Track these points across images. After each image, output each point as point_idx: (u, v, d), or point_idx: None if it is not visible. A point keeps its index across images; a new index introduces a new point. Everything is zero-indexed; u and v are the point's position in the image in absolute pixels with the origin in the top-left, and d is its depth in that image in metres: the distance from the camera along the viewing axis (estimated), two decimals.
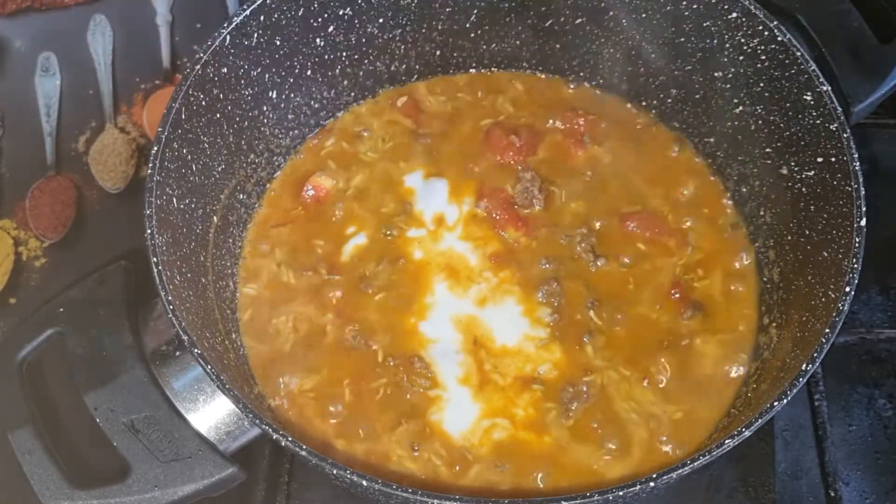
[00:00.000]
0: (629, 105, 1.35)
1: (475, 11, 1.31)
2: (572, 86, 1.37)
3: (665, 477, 0.92)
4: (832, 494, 1.25)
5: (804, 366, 0.96)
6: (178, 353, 1.10)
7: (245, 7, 1.14)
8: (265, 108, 1.24)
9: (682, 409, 1.12)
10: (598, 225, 1.25)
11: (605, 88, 1.36)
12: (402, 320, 1.18)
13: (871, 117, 1.32)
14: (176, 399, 1.08)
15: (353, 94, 1.35)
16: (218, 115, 1.16)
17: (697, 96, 1.27)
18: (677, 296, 1.19)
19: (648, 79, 1.31)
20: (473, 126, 1.33)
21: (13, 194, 1.47)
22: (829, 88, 1.09)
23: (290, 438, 0.94)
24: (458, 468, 1.09)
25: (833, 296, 1.01)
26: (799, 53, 1.11)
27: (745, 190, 1.25)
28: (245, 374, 1.15)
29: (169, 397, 1.08)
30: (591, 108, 1.34)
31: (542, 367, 1.15)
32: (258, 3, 1.14)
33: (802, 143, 1.13)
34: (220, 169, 1.19)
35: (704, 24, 1.20)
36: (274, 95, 1.24)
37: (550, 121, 1.33)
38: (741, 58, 1.18)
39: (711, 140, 1.29)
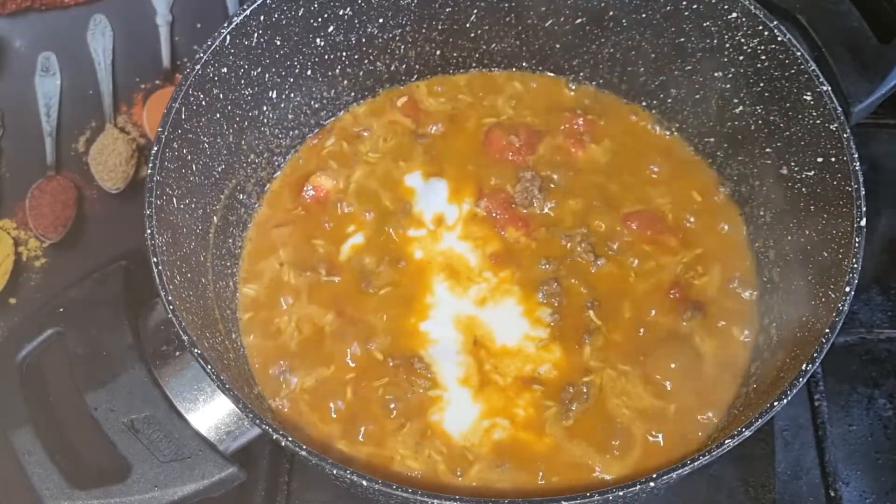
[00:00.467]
0: (629, 105, 1.35)
1: (475, 11, 1.31)
2: (572, 86, 1.37)
3: (665, 477, 0.92)
4: (832, 494, 1.25)
5: (804, 366, 0.96)
6: (178, 353, 1.10)
7: (245, 7, 1.14)
8: (265, 108, 1.24)
9: (682, 409, 1.12)
10: (597, 225, 1.25)
11: (605, 88, 1.36)
12: (402, 320, 1.18)
13: (871, 117, 1.32)
14: (176, 399, 1.08)
15: (353, 94, 1.35)
16: (218, 115, 1.16)
17: (697, 96, 1.27)
18: (676, 296, 1.19)
19: (648, 79, 1.31)
20: (473, 126, 1.33)
21: (13, 194, 1.47)
22: (829, 88, 1.09)
23: (290, 438, 0.94)
24: (458, 468, 1.09)
25: (833, 296, 1.02)
26: (799, 53, 1.11)
27: (745, 190, 1.25)
28: (245, 374, 1.15)
29: (169, 397, 1.08)
30: (591, 108, 1.34)
31: (542, 367, 1.15)
32: (258, 3, 1.14)
33: (802, 143, 1.13)
34: (220, 169, 1.19)
35: (704, 24, 1.20)
36: (274, 95, 1.24)
37: (550, 121, 1.33)
38: (741, 58, 1.18)
39: (711, 140, 1.29)
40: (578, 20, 1.30)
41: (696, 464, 0.93)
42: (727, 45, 1.19)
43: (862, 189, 1.04)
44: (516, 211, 1.26)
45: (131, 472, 1.04)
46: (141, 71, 1.56)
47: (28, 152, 1.50)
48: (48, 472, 1.05)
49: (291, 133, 1.31)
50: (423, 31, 1.32)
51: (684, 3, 1.20)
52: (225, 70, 1.15)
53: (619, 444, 1.10)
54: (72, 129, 1.52)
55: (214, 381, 0.97)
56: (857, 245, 1.01)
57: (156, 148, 1.06)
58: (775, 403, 0.95)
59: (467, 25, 1.33)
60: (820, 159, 1.10)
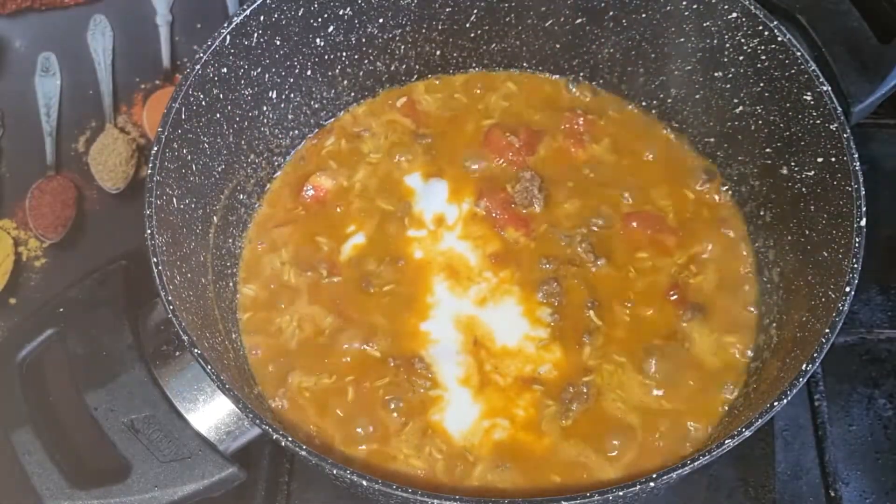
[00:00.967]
0: (629, 105, 1.35)
1: (475, 11, 1.31)
2: (572, 86, 1.37)
3: (665, 477, 0.92)
4: (832, 494, 1.25)
5: (804, 366, 0.96)
6: (178, 353, 1.10)
7: (245, 7, 1.14)
8: (265, 108, 1.24)
9: (682, 410, 1.12)
10: (597, 225, 1.24)
11: (605, 88, 1.36)
12: (402, 320, 1.18)
13: (871, 117, 1.32)
14: (176, 399, 1.08)
15: (352, 94, 1.35)
16: (218, 115, 1.16)
17: (697, 96, 1.27)
18: (675, 297, 1.19)
19: (648, 79, 1.31)
20: (473, 126, 1.33)
21: (13, 194, 1.47)
22: (829, 88, 1.09)
23: (290, 438, 0.94)
24: (458, 468, 1.09)
25: (833, 296, 1.01)
26: (799, 53, 1.11)
27: (745, 190, 1.25)
28: (245, 374, 1.15)
29: (169, 397, 1.08)
30: (591, 108, 1.34)
31: (542, 367, 1.15)
32: (258, 3, 1.14)
33: (802, 143, 1.13)
34: (220, 169, 1.19)
35: (704, 24, 1.20)
36: (274, 95, 1.24)
37: (550, 121, 1.33)
38: (741, 58, 1.18)
39: (711, 140, 1.29)
40: (578, 20, 1.30)
41: (696, 464, 0.93)
42: (727, 45, 1.19)
43: (862, 189, 1.04)
44: (516, 211, 1.26)
45: (131, 472, 1.04)
46: (141, 71, 1.57)
47: (28, 152, 1.50)
48: (48, 472, 1.05)
49: (291, 133, 1.31)
50: (423, 31, 1.32)
51: (684, 3, 1.20)
52: (225, 70, 1.15)
53: (619, 444, 1.10)
54: (72, 129, 1.52)
55: (214, 381, 0.97)
56: (857, 245, 1.01)
57: (156, 148, 1.06)
58: (775, 403, 0.95)
59: (467, 25, 1.33)
60: (820, 159, 1.10)
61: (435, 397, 1.13)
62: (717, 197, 1.27)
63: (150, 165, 1.05)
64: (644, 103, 1.34)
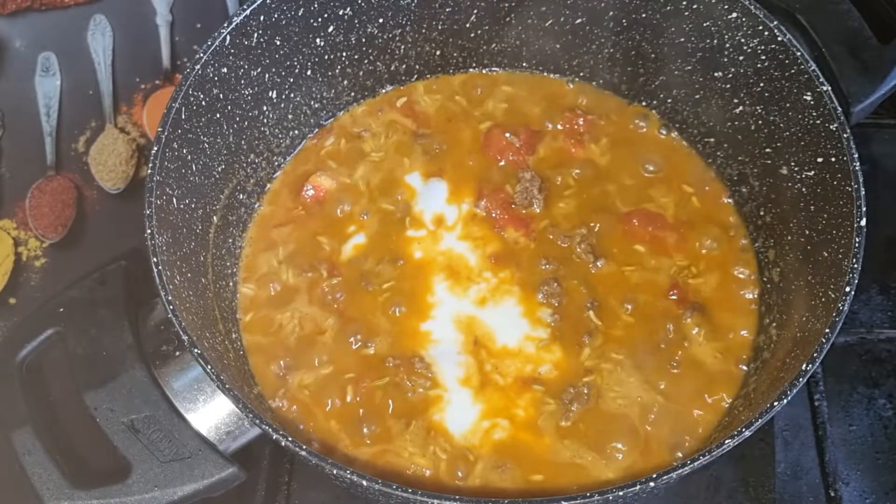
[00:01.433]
0: (629, 105, 1.35)
1: (475, 11, 1.31)
2: (572, 86, 1.37)
3: (665, 477, 0.92)
4: (832, 494, 1.25)
5: (804, 366, 0.96)
6: (178, 353, 1.10)
7: (245, 7, 1.14)
8: (265, 108, 1.24)
9: (682, 410, 1.12)
10: (597, 225, 1.24)
11: (605, 88, 1.36)
12: (402, 320, 1.18)
13: (871, 117, 1.32)
14: (176, 399, 1.08)
15: (353, 94, 1.35)
16: (218, 115, 1.16)
17: (697, 96, 1.27)
18: (676, 297, 1.19)
19: (648, 79, 1.31)
20: (473, 126, 1.33)
21: (13, 194, 1.47)
22: (829, 88, 1.09)
23: (290, 438, 0.94)
24: (459, 468, 1.09)
25: (833, 296, 1.02)
26: (799, 53, 1.11)
27: (745, 190, 1.25)
28: (245, 374, 1.15)
29: (169, 397, 1.08)
30: (590, 108, 1.34)
31: (542, 367, 1.15)
32: (258, 3, 1.14)
33: (802, 143, 1.13)
34: (220, 169, 1.19)
35: (704, 24, 1.20)
36: (274, 95, 1.24)
37: (550, 121, 1.33)
38: (741, 58, 1.18)
39: (711, 140, 1.29)
40: (578, 20, 1.30)
41: (696, 464, 0.93)
42: (727, 45, 1.19)
43: (862, 189, 1.04)
44: (516, 211, 1.26)
45: (131, 472, 1.04)
46: (141, 71, 1.57)
47: (28, 152, 1.50)
48: (48, 472, 1.05)
49: (291, 133, 1.31)
50: (423, 31, 1.32)
51: (684, 3, 1.20)
52: (225, 70, 1.15)
53: (619, 444, 1.10)
54: (72, 129, 1.52)
55: (214, 381, 0.97)
56: (857, 245, 1.01)
57: (156, 148, 1.06)
58: (775, 403, 0.95)
59: (467, 25, 1.33)
60: (820, 159, 1.10)
61: (435, 397, 1.13)
62: (716, 197, 1.27)
63: (150, 165, 1.05)
64: (644, 103, 1.34)
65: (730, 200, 1.27)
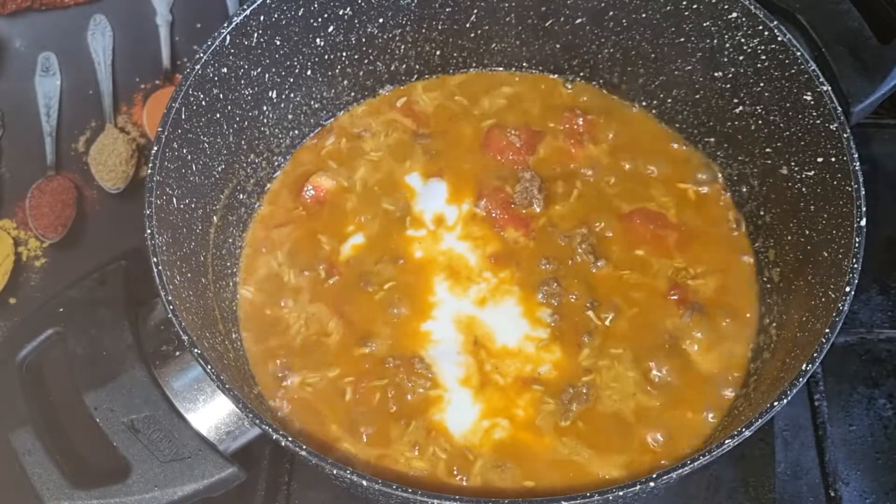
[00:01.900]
0: (629, 105, 1.35)
1: (475, 11, 1.31)
2: (572, 86, 1.37)
3: (665, 477, 0.92)
4: (832, 494, 1.25)
5: (804, 366, 0.96)
6: (178, 353, 1.10)
7: (245, 7, 1.14)
8: (265, 108, 1.24)
9: (682, 410, 1.12)
10: (597, 225, 1.24)
11: (605, 88, 1.36)
12: (402, 321, 1.18)
13: (871, 117, 1.32)
14: (176, 399, 1.08)
15: (353, 94, 1.35)
16: (218, 115, 1.16)
17: (697, 96, 1.27)
18: (676, 297, 1.19)
19: (648, 79, 1.31)
20: (473, 126, 1.33)
21: (13, 194, 1.47)
22: (829, 88, 1.09)
23: (290, 438, 0.94)
24: (459, 468, 1.09)
25: (833, 296, 1.01)
26: (799, 53, 1.11)
27: (745, 190, 1.25)
28: (245, 374, 1.15)
29: (169, 397, 1.08)
30: (590, 108, 1.34)
31: (542, 367, 1.15)
32: (258, 3, 1.14)
33: (802, 143, 1.13)
34: (220, 169, 1.19)
35: (704, 24, 1.20)
36: (274, 95, 1.24)
37: (550, 121, 1.33)
38: (741, 58, 1.18)
39: (711, 140, 1.29)
40: (578, 20, 1.30)
41: (696, 464, 0.93)
42: (727, 45, 1.19)
43: (862, 189, 1.04)
44: (516, 211, 1.26)
45: (131, 472, 1.04)
46: (141, 71, 1.57)
47: (28, 152, 1.50)
48: (48, 472, 1.05)
49: (291, 133, 1.31)
50: (423, 31, 1.32)
51: (684, 3, 1.20)
52: (225, 70, 1.15)
53: (619, 444, 1.10)
54: (72, 129, 1.52)
55: (214, 381, 0.97)
56: (857, 245, 1.01)
57: (156, 148, 1.06)
58: (775, 403, 0.95)
59: (467, 25, 1.33)
60: (820, 159, 1.10)
61: (435, 397, 1.13)
62: (716, 197, 1.27)
63: (150, 165, 1.05)
64: (644, 103, 1.34)
65: (730, 200, 1.27)
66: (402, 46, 1.33)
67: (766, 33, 1.14)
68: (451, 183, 1.29)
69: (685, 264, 1.22)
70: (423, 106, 1.36)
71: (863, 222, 1.02)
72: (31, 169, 1.48)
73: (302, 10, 1.20)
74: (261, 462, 1.23)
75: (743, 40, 1.17)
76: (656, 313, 1.18)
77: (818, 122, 1.10)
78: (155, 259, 1.01)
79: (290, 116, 1.29)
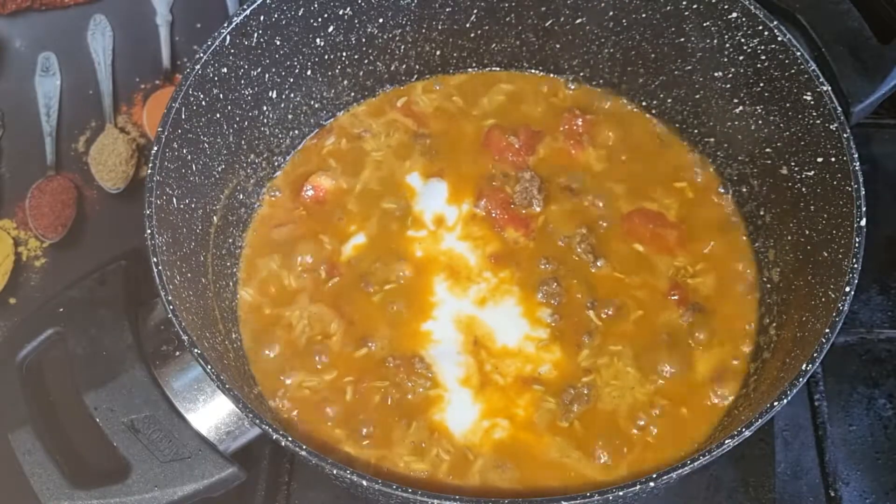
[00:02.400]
0: (629, 105, 1.35)
1: (475, 11, 1.31)
2: (572, 86, 1.37)
3: (665, 477, 0.92)
4: (832, 494, 1.25)
5: (804, 366, 0.96)
6: (178, 353, 1.10)
7: (245, 7, 1.14)
8: (265, 108, 1.24)
9: (682, 410, 1.12)
10: (597, 225, 1.24)
11: (605, 88, 1.36)
12: (402, 321, 1.18)
13: (871, 117, 1.32)
14: (176, 399, 1.08)
15: (353, 94, 1.35)
16: (218, 115, 1.16)
17: (697, 96, 1.27)
18: (676, 297, 1.19)
19: (648, 79, 1.31)
20: (473, 126, 1.33)
21: (13, 194, 1.47)
22: (829, 88, 1.09)
23: (290, 438, 0.94)
24: (459, 468, 1.09)
25: (833, 296, 1.02)
26: (799, 53, 1.11)
27: (745, 190, 1.25)
28: (245, 374, 1.15)
29: (169, 397, 1.08)
30: (590, 108, 1.34)
31: (542, 367, 1.15)
32: (258, 3, 1.14)
33: (802, 143, 1.13)
34: (220, 169, 1.19)
35: (704, 24, 1.20)
36: (274, 95, 1.24)
37: (550, 121, 1.33)
38: (741, 58, 1.18)
39: (711, 140, 1.29)
40: (578, 20, 1.30)
41: (696, 464, 0.93)
42: (727, 45, 1.19)
43: (862, 189, 1.04)
44: (515, 211, 1.26)
45: (131, 472, 1.04)
46: (141, 71, 1.56)
47: (28, 152, 1.50)
48: (48, 472, 1.04)
49: (291, 133, 1.31)
50: (423, 31, 1.32)
51: (684, 3, 1.20)
52: (225, 70, 1.15)
53: (619, 444, 1.10)
54: (72, 129, 1.52)
55: (214, 381, 0.97)
56: (857, 245, 1.01)
57: (156, 148, 1.06)
58: (775, 403, 0.95)
59: (467, 25, 1.33)
60: (820, 159, 1.10)
61: (435, 397, 1.13)
62: (716, 197, 1.27)
63: (150, 165, 1.05)
64: (644, 103, 1.34)
65: (729, 200, 1.27)
66: (402, 46, 1.33)
67: (766, 33, 1.14)
68: (452, 183, 1.29)
69: (685, 265, 1.22)
70: (423, 106, 1.36)
71: (863, 222, 1.02)
72: (31, 169, 1.48)
73: (302, 10, 1.20)
74: (261, 462, 1.23)
75: (743, 40, 1.17)
76: (656, 313, 1.18)
77: (818, 122, 1.10)
78: (155, 259, 1.01)
79: (290, 116, 1.29)
